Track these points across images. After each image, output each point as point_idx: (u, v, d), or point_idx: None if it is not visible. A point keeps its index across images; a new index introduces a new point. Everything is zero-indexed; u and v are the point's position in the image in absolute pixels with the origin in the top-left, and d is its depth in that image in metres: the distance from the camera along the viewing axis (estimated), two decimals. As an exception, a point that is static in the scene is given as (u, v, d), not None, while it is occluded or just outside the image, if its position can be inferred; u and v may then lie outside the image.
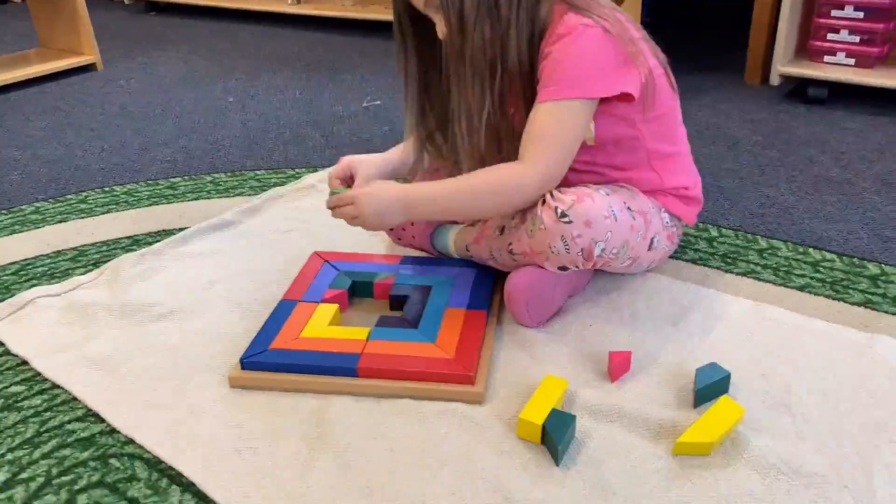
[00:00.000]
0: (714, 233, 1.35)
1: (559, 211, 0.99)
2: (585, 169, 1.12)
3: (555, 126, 1.00)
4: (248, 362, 0.99)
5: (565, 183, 1.05)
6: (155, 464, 0.88)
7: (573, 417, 0.87)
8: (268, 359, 0.99)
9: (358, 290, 1.17)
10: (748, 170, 1.62)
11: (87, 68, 2.61)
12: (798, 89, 2.07)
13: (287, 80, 2.44)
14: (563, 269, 1.05)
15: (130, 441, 0.92)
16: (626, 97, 1.01)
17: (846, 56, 1.99)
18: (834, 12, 1.97)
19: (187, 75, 2.54)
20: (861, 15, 1.93)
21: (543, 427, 0.86)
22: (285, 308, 1.10)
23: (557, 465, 0.84)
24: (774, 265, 1.24)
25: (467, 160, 1.05)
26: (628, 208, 1.06)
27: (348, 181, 1.15)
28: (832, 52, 2.01)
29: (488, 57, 0.99)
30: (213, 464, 0.87)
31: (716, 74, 2.27)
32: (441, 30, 1.01)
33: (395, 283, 1.15)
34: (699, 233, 1.35)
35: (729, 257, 1.27)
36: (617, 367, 0.97)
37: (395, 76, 2.38)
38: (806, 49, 2.07)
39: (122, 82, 2.48)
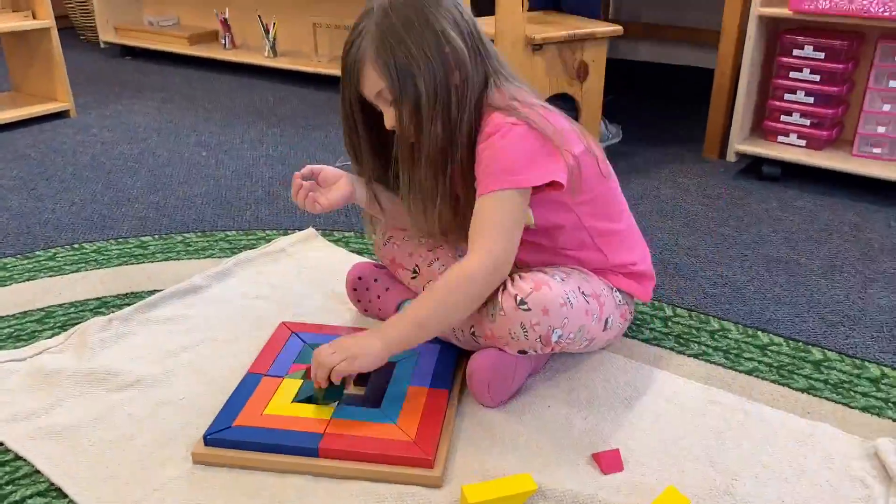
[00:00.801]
0: (669, 312, 1.41)
1: (518, 298, 1.04)
2: (535, 250, 1.18)
3: (493, 216, 1.05)
4: (211, 439, 1.01)
5: (521, 263, 1.10)
6: (116, 543, 0.89)
7: None
8: (231, 436, 1.01)
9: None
10: (704, 247, 1.70)
11: (60, 115, 2.62)
12: (753, 166, 2.17)
13: (261, 134, 2.48)
14: (523, 352, 1.09)
15: (92, 518, 0.93)
16: (554, 185, 1.07)
17: (798, 137, 2.09)
18: (787, 96, 2.08)
19: (161, 126, 2.56)
20: (812, 100, 2.04)
21: None
22: (251, 382, 1.12)
23: None
24: (725, 347, 1.30)
25: (421, 234, 1.16)
26: (583, 293, 1.11)
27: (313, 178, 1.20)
28: (785, 133, 2.11)
29: (441, 152, 1.06)
30: (174, 544, 0.88)
31: (676, 147, 2.36)
32: (389, 121, 1.07)
33: None
34: (654, 311, 1.41)
35: (682, 338, 1.33)
36: (607, 464, 1.00)
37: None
38: (761, 128, 2.18)
39: (95, 131, 2.50)
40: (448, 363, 1.17)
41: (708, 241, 1.73)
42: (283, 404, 1.07)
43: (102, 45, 3.75)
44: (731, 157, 2.21)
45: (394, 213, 1.23)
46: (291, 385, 1.12)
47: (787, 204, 1.95)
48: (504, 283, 1.08)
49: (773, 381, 1.21)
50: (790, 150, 2.09)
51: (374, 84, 1.05)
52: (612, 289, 1.19)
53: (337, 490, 0.96)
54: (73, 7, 3.93)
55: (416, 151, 1.07)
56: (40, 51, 2.58)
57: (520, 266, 1.13)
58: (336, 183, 1.20)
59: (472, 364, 1.11)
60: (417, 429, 1.02)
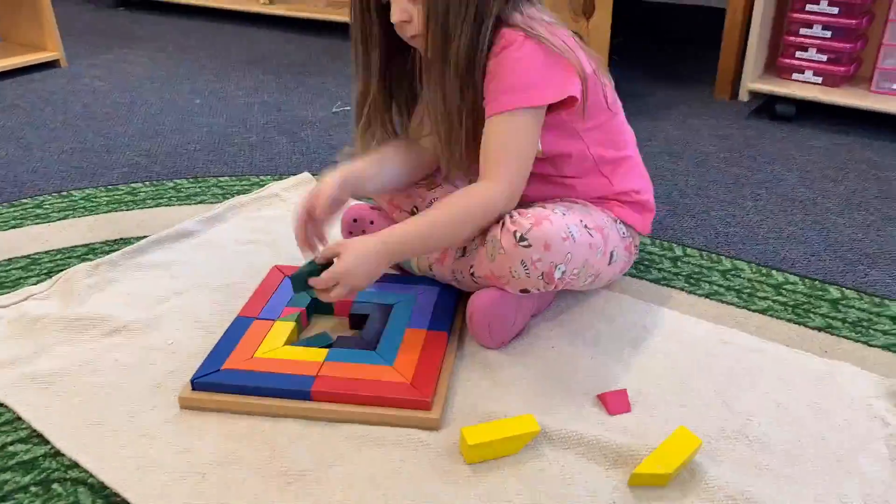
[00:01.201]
0: (678, 252, 1.35)
1: (518, 235, 0.98)
2: (539, 180, 1.12)
3: (510, 139, 1.01)
4: (198, 383, 0.96)
5: (522, 196, 1.05)
6: (99, 490, 0.85)
7: None
8: (219, 379, 0.97)
9: (318, 307, 1.14)
10: (715, 187, 1.63)
11: (50, 65, 2.54)
12: (766, 106, 2.08)
13: (257, 82, 2.40)
14: (525, 291, 1.03)
15: (75, 465, 0.89)
16: (569, 101, 1.02)
17: (814, 74, 2.01)
18: (802, 31, 1.99)
19: (154, 75, 2.49)
20: (829, 34, 1.95)
21: None
22: (241, 325, 1.08)
23: None
24: (737, 287, 1.24)
25: (447, 160, 1.06)
26: (585, 226, 1.05)
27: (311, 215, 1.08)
28: (800, 70, 2.02)
29: (468, 62, 0.99)
30: (160, 491, 0.85)
31: (685, 89, 2.28)
32: (396, 14, 1.00)
33: (356, 302, 1.13)
34: (664, 251, 1.35)
35: (693, 278, 1.27)
36: (613, 405, 0.96)
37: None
38: (775, 66, 2.09)
39: (86, 80, 2.43)
40: (447, 305, 1.12)
41: (719, 180, 1.66)
42: (274, 347, 1.03)
43: (95, -4, 3.64)
44: (743, 97, 2.13)
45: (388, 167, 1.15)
46: (283, 328, 1.07)
47: (801, 143, 1.87)
48: (501, 220, 1.02)
49: (789, 321, 1.15)
50: (805, 88, 2.00)
51: None
52: (615, 220, 1.14)
53: (331, 434, 0.92)
54: (63, -43, 3.81)
55: (437, 63, 1.00)
56: (29, 0, 2.49)
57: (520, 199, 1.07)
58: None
59: (471, 304, 1.06)
60: (415, 370, 0.98)
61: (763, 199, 1.58)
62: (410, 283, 1.18)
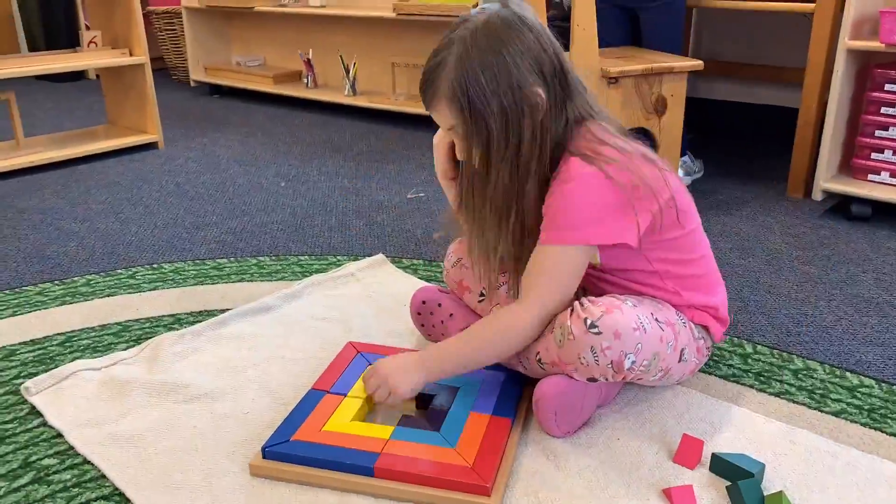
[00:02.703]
0: (749, 349, 1.34)
1: (588, 322, 1.00)
2: (604, 282, 1.15)
3: (551, 267, 1.06)
4: (269, 452, 1.00)
5: (593, 293, 1.08)
6: (173, 550, 0.89)
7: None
8: (289, 450, 1.00)
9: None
10: (787, 285, 1.62)
11: (149, 146, 2.74)
12: (841, 205, 2.07)
13: (337, 167, 2.53)
14: (593, 380, 1.05)
15: (152, 524, 0.93)
16: (623, 245, 1.05)
17: (889, 175, 1.99)
18: (878, 132, 1.99)
19: (243, 157, 2.65)
20: (905, 137, 1.95)
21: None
22: (313, 398, 1.12)
23: None
24: (810, 387, 1.22)
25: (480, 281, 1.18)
26: (656, 319, 1.06)
27: None
28: (876, 171, 2.02)
29: (505, 197, 1.05)
30: (229, 555, 0.87)
31: (758, 186, 2.28)
32: (460, 153, 1.10)
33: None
34: (734, 348, 1.34)
35: (763, 376, 1.25)
36: (679, 501, 0.95)
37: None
38: (849, 166, 2.08)
39: (180, 161, 2.60)
40: (512, 392, 1.14)
41: (791, 279, 1.65)
42: (343, 422, 1.06)
43: (193, 84, 3.93)
44: (816, 196, 2.12)
45: None
46: (353, 403, 1.10)
47: (878, 244, 1.84)
48: (572, 307, 1.04)
49: (864, 425, 1.12)
50: (881, 189, 1.99)
51: (446, 119, 1.07)
52: (686, 321, 1.14)
53: None
54: (167, 48, 4.15)
55: (484, 199, 1.08)
56: (134, 86, 2.72)
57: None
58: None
59: (538, 391, 1.07)
60: (476, 455, 0.99)
61: (837, 299, 1.55)
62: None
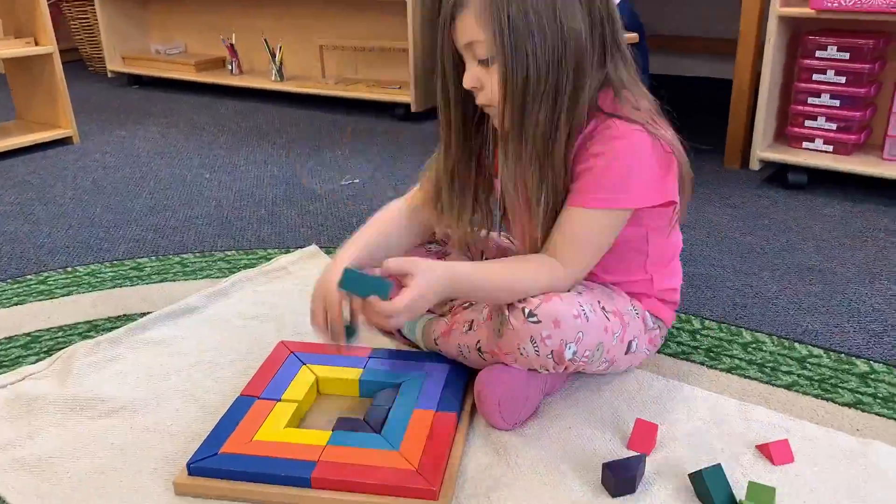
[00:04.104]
0: (697, 324, 1.31)
1: (526, 311, 0.94)
2: None
3: (592, 234, 0.98)
4: (195, 467, 0.92)
5: None
6: (88, 586, 0.80)
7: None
8: (217, 464, 0.92)
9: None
10: (730, 257, 1.59)
11: (63, 141, 2.57)
12: (778, 174, 2.07)
13: (266, 156, 2.42)
14: (534, 371, 0.99)
15: (63, 558, 0.83)
16: (668, 204, 0.99)
17: (824, 143, 2.00)
18: (811, 100, 1.99)
19: (165, 150, 2.51)
20: (837, 103, 1.95)
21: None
22: (242, 405, 1.03)
23: None
24: (760, 360, 1.19)
25: (520, 238, 1.03)
26: (602, 308, 1.01)
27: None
28: (810, 139, 2.02)
29: (543, 140, 0.93)
30: (151, 587, 0.79)
31: (695, 159, 2.25)
32: (469, 80, 0.95)
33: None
34: (682, 324, 1.30)
35: (713, 351, 1.22)
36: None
37: (373, 155, 2.38)
38: (785, 134, 2.08)
39: (97, 156, 2.45)
40: (457, 385, 1.08)
41: (734, 251, 1.63)
42: (275, 430, 0.98)
43: (110, 75, 3.72)
44: (754, 166, 2.11)
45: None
46: (286, 408, 1.02)
47: (815, 211, 1.84)
48: None
49: (816, 396, 1.10)
50: (816, 156, 1.99)
51: (470, 31, 0.91)
52: (639, 311, 1.09)
53: None
54: (81, 38, 3.93)
55: (514, 139, 0.94)
56: (43, 78, 2.54)
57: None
58: None
59: (479, 382, 1.01)
60: (421, 456, 0.92)
61: (780, 269, 1.54)
62: (419, 359, 1.14)
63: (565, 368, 0.99)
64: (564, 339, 0.95)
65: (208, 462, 0.92)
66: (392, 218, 1.13)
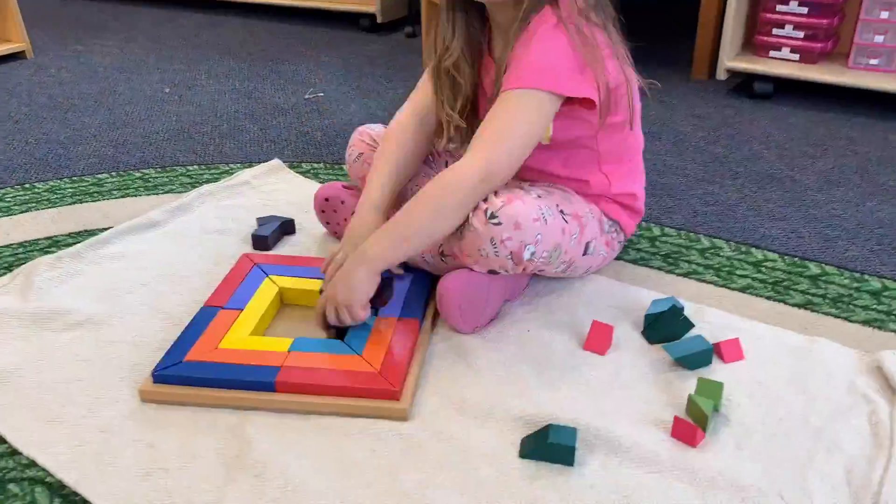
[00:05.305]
0: (657, 231, 1.33)
1: (488, 212, 0.95)
2: (536, 173, 1.09)
3: (509, 118, 0.96)
4: (160, 375, 0.93)
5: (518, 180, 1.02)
6: (58, 489, 0.82)
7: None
8: (181, 371, 0.93)
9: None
10: (693, 166, 1.61)
11: (15, 56, 2.48)
12: (744, 84, 2.06)
13: (228, 70, 2.35)
14: (493, 272, 1.01)
15: (32, 464, 0.85)
16: (587, 103, 0.98)
17: (791, 51, 1.99)
18: (779, 7, 1.97)
19: (123, 64, 2.43)
20: (805, 10, 1.93)
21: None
22: (206, 315, 1.04)
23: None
24: (717, 265, 1.22)
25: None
26: (561, 211, 1.02)
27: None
28: (777, 48, 2.01)
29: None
30: (121, 488, 0.81)
31: (662, 69, 2.25)
32: None
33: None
34: (641, 232, 1.32)
35: (671, 257, 1.25)
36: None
37: (338, 68, 2.32)
38: (752, 44, 2.07)
39: (52, 71, 2.37)
40: (420, 291, 1.09)
41: (697, 160, 1.64)
42: (239, 338, 0.99)
43: (63, -13, 3.56)
44: (721, 76, 2.11)
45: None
46: (249, 318, 1.03)
47: (780, 120, 1.85)
48: None
49: (769, 298, 1.13)
50: (783, 65, 1.98)
51: None
52: (597, 213, 1.11)
53: (301, 426, 0.89)
54: (29, -53, 3.73)
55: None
56: (-9, -10, 2.43)
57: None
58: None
59: (441, 286, 1.03)
60: (383, 359, 0.95)
61: (742, 177, 1.56)
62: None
63: (524, 269, 1.01)
64: (524, 241, 0.96)
65: (173, 370, 0.94)
66: (402, 140, 1.13)
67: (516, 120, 0.96)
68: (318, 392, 0.91)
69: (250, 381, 0.92)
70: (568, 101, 0.98)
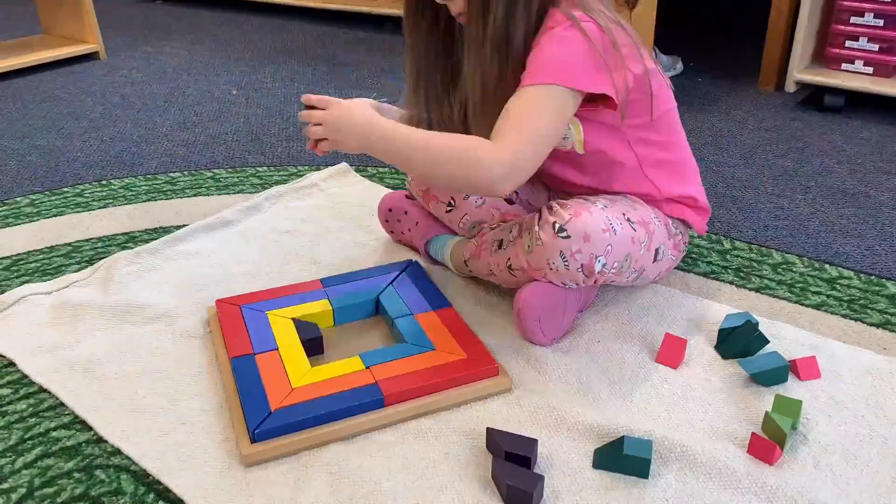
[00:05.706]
0: (727, 245, 1.31)
1: (556, 226, 0.96)
2: (579, 188, 1.11)
3: (533, 112, 0.94)
4: (260, 433, 0.86)
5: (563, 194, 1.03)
6: (142, 477, 0.85)
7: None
8: (278, 422, 0.87)
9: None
10: (762, 180, 1.58)
11: (89, 57, 2.57)
12: (814, 97, 2.02)
13: (292, 72, 2.40)
14: (564, 285, 1.01)
15: (118, 452, 0.88)
16: (607, 101, 0.97)
17: (864, 64, 1.94)
18: (853, 19, 1.92)
19: (191, 66, 2.50)
20: (881, 23, 1.89)
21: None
22: (246, 365, 0.96)
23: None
24: (790, 281, 1.20)
25: (476, 129, 1.02)
26: (628, 220, 1.02)
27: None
28: (850, 60, 1.96)
29: (503, 38, 0.96)
30: (202, 479, 0.83)
31: (730, 80, 2.22)
32: (455, 6, 0.99)
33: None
34: (711, 245, 1.31)
35: (742, 271, 1.23)
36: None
37: (402, 72, 2.34)
38: (823, 56, 2.03)
39: (124, 72, 2.44)
40: (426, 284, 1.14)
41: (766, 173, 1.61)
42: (303, 373, 0.95)
43: (132, -10, 3.66)
44: (789, 88, 2.07)
45: None
46: (293, 352, 0.98)
47: (851, 135, 1.81)
48: (540, 212, 1.00)
49: (845, 317, 1.11)
50: (855, 78, 1.94)
51: None
52: (663, 217, 1.10)
53: (419, 430, 0.90)
54: (102, -49, 3.85)
55: (475, 39, 0.97)
56: (69, -8, 2.52)
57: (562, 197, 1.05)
58: None
59: (520, 299, 1.02)
60: (461, 346, 0.98)
61: (813, 191, 1.53)
62: (368, 275, 1.17)
63: (595, 281, 1.01)
64: (594, 253, 0.96)
65: (269, 423, 0.87)
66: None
67: (537, 116, 0.95)
68: (426, 392, 0.92)
69: (358, 406, 0.89)
70: (590, 101, 0.98)
